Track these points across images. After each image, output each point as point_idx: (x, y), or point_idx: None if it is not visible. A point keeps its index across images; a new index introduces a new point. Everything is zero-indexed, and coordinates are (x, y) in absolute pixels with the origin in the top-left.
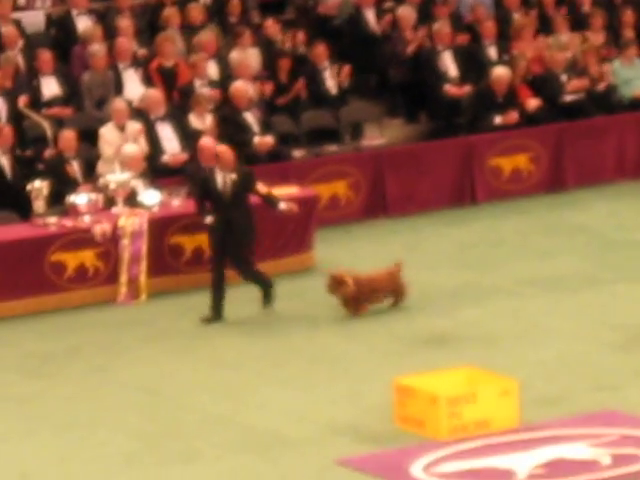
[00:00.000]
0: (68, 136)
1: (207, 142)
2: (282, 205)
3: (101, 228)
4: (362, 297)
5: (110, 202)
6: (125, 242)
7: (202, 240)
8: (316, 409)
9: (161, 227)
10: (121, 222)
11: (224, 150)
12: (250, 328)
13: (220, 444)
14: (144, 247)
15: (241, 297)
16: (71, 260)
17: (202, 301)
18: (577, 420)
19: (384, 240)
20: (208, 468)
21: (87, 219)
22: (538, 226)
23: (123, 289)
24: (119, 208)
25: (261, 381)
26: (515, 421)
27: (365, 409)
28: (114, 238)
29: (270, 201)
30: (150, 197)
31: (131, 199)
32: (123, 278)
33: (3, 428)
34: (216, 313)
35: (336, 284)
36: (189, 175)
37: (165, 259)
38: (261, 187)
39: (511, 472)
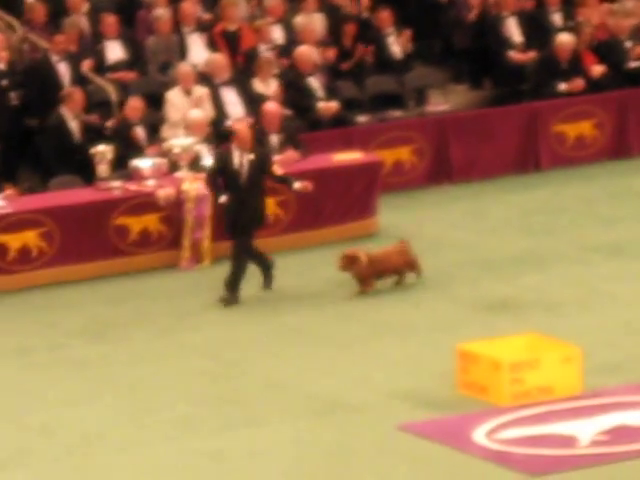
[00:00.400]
0: (135, 104)
1: (271, 107)
2: (297, 185)
3: (165, 192)
4: (375, 273)
5: (174, 166)
6: (189, 206)
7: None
8: (378, 375)
9: None
10: (185, 186)
11: (241, 128)
12: (312, 294)
13: (282, 409)
14: (207, 212)
15: (301, 264)
16: (135, 224)
17: None
18: None
19: (448, 206)
20: (269, 433)
21: (151, 183)
22: (602, 193)
23: (186, 254)
24: (183, 172)
25: (323, 347)
26: (578, 387)
27: (427, 375)
28: (178, 202)
29: (285, 181)
30: None
31: (195, 164)
32: (186, 242)
33: (66, 391)
34: (267, 280)
35: (350, 261)
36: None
37: None
38: (277, 169)
39: (574, 438)
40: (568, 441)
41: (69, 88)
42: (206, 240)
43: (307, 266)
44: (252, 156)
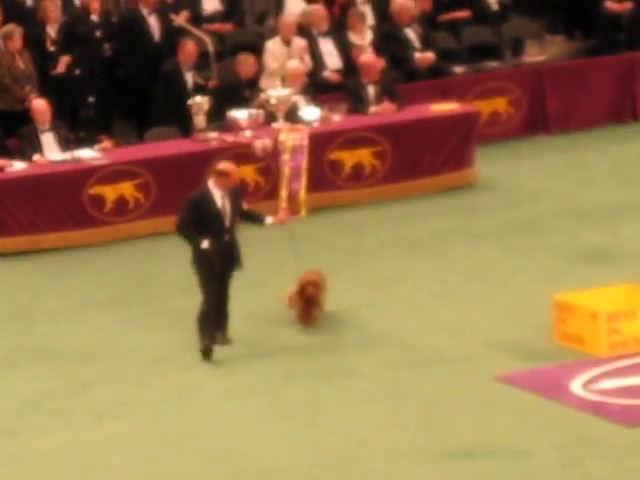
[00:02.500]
0: (249, 61)
1: (369, 58)
2: (269, 220)
3: (262, 143)
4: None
5: (271, 117)
6: (285, 157)
7: (362, 156)
8: (475, 325)
9: (321, 143)
10: (281, 137)
11: (234, 170)
12: (410, 244)
13: (379, 360)
14: (304, 163)
15: (398, 216)
16: None
17: (361, 217)
18: None
19: (544, 157)
20: (366, 384)
21: (248, 134)
22: None
23: (283, 204)
24: (279, 123)
25: (421, 297)
26: None
27: (524, 325)
28: (274, 153)
29: (256, 218)
30: (310, 113)
31: (291, 114)
32: (283, 193)
33: (162, 343)
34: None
35: (319, 291)
36: (349, 90)
37: (325, 175)
38: (244, 204)
39: None
40: None
41: (183, 39)
42: (302, 191)
43: (404, 217)
44: (230, 195)
